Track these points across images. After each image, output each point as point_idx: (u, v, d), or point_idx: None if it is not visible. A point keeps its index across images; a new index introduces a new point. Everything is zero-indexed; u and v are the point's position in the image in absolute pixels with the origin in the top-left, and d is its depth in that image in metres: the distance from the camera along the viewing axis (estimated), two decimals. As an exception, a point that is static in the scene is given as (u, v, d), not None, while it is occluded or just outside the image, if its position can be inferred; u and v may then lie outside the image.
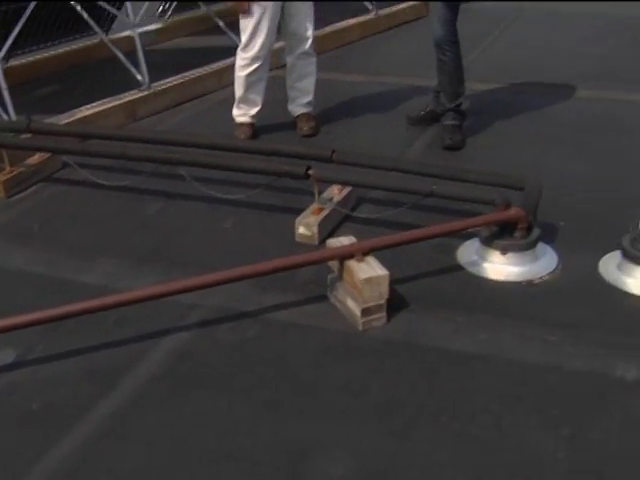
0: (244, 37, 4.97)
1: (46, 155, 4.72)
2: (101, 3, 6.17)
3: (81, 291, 3.40)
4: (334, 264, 3.26)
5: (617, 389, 2.81)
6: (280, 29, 5.09)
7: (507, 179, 3.83)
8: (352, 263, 3.14)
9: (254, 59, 4.98)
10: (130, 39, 6.09)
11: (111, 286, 3.46)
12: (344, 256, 3.19)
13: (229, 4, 4.99)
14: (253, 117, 5.22)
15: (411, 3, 8.64)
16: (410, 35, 8.11)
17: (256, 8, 4.83)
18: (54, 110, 5.39)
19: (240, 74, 5.08)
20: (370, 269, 3.10)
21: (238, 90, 5.14)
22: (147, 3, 6.58)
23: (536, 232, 3.58)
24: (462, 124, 5.11)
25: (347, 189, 4.04)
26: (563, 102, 5.91)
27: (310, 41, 5.09)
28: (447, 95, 5.05)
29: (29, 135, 4.70)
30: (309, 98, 5.30)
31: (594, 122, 5.47)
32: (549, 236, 3.77)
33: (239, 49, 5.06)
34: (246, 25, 4.93)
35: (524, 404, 2.75)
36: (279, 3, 4.88)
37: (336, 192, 4.00)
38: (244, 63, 5.03)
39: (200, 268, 3.44)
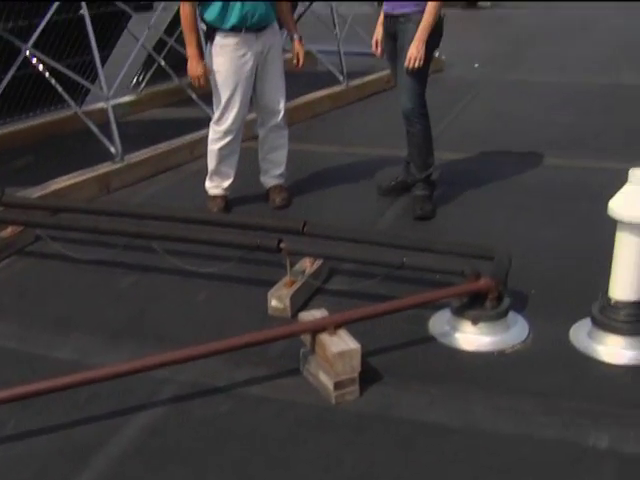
0: (217, 110, 5.04)
1: (18, 228, 4.71)
2: (75, 76, 6.25)
3: (54, 366, 3.39)
4: (306, 338, 3.27)
5: (589, 458, 2.82)
6: (252, 102, 5.17)
7: (476, 249, 3.88)
8: (324, 337, 3.15)
9: (227, 132, 5.05)
10: (104, 110, 6.14)
11: (84, 361, 3.45)
12: (316, 330, 3.20)
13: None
14: (226, 189, 5.26)
15: (381, 74, 8.74)
16: (380, 105, 8.22)
17: (228, 82, 4.92)
18: (28, 182, 5.41)
19: (213, 147, 5.13)
20: (342, 342, 3.11)
21: (211, 163, 5.19)
22: (121, 75, 6.64)
23: (506, 301, 3.62)
24: (432, 194, 5.17)
25: (319, 261, 4.07)
26: (533, 170, 6.01)
27: (282, 114, 5.17)
28: (417, 166, 5.11)
29: (1, 208, 4.69)
30: (281, 170, 5.36)
31: (564, 190, 5.55)
32: (520, 305, 3.81)
33: (212, 122, 5.12)
34: (219, 98, 5.00)
35: (498, 475, 2.75)
36: (251, 77, 4.96)
37: (308, 264, 4.03)
38: (217, 136, 5.09)
39: (174, 342, 3.45)
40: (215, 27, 4.87)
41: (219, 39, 4.88)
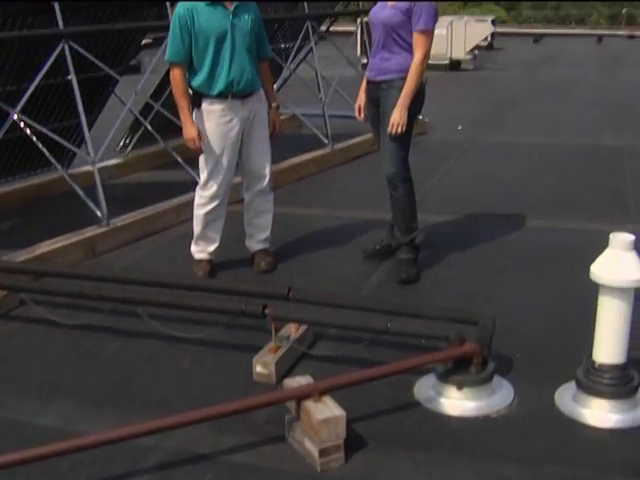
0: (203, 175, 5.08)
1: (3, 292, 4.70)
2: (61, 140, 6.29)
3: (38, 434, 3.36)
4: (291, 404, 3.26)
5: (575, 525, 2.83)
6: (238, 167, 5.21)
7: (460, 314, 3.91)
8: (309, 403, 3.15)
9: (212, 198, 5.08)
10: (91, 173, 6.15)
11: (69, 428, 3.42)
12: (301, 397, 3.20)
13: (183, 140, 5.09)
14: (211, 254, 5.27)
15: (366, 136, 8.78)
16: (365, 168, 8.28)
17: (215, 147, 4.97)
18: (13, 245, 5.41)
19: (199, 212, 5.16)
20: (327, 409, 3.11)
21: (196, 227, 5.21)
22: (108, 139, 6.69)
23: (491, 366, 3.63)
24: (416, 258, 5.19)
25: (304, 327, 4.07)
26: (516, 232, 6.06)
27: (267, 179, 5.21)
28: (401, 230, 5.14)
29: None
30: (266, 234, 5.38)
31: (548, 252, 5.59)
32: (505, 369, 3.82)
33: (198, 187, 5.15)
34: (205, 164, 5.04)
35: None
36: (237, 142, 5.02)
37: (293, 330, 4.03)
38: (203, 201, 5.12)
39: (159, 408, 3.44)
40: (202, 93, 4.94)
41: (206, 105, 4.94)
